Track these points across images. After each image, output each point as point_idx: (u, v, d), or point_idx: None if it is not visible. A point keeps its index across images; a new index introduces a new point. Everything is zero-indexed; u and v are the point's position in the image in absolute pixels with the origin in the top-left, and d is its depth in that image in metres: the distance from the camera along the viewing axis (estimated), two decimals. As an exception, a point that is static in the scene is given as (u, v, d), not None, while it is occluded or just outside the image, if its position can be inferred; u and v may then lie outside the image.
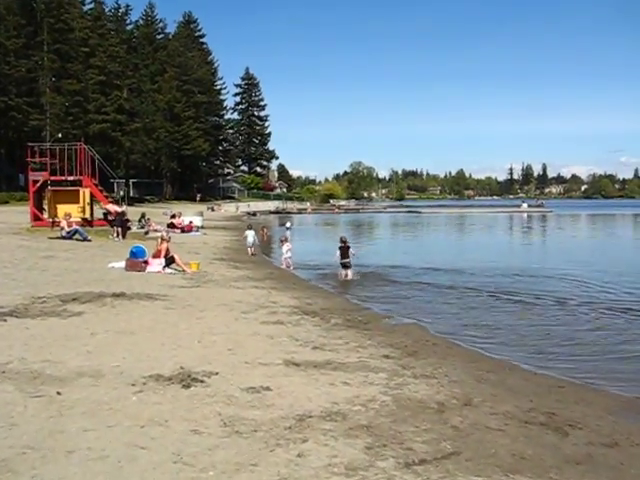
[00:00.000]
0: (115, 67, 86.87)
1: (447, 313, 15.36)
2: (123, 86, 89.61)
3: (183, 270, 19.69)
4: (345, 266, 21.19)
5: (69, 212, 28.43)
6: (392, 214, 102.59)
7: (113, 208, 31.21)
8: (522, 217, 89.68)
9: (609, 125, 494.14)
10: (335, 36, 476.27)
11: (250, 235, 28.94)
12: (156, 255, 19.80)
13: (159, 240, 20.20)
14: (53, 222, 29.42)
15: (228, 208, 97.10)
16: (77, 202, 30.48)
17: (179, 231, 39.62)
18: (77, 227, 27.72)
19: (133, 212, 46.03)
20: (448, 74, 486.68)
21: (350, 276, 21.01)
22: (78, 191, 30.61)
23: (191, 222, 42.74)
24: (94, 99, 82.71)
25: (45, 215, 31.63)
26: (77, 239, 27.40)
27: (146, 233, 32.35)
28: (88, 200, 30.89)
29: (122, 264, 19.46)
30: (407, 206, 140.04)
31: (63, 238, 26.99)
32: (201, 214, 49.91)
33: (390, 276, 22.20)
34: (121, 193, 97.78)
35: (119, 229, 30.13)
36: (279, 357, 9.27)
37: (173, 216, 41.94)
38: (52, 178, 31.42)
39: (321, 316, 13.36)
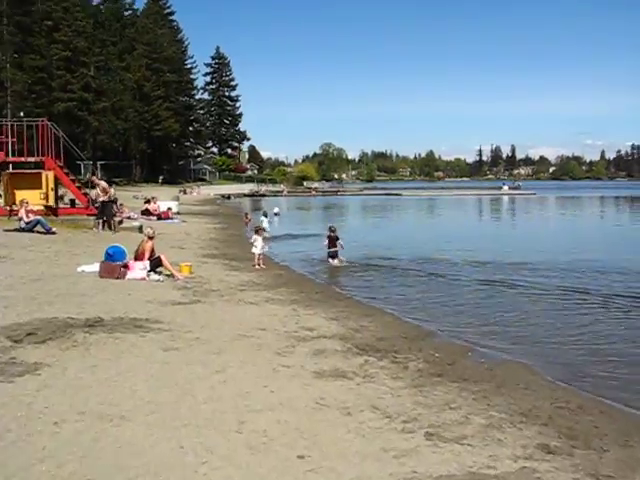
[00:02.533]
0: (81, 43, 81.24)
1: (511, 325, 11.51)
2: (90, 63, 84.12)
3: (172, 275, 15.44)
4: (333, 256, 20.73)
5: (26, 199, 23.90)
6: (372, 197, 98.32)
7: (101, 188, 26.43)
8: (506, 200, 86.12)
9: (575, 108, 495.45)
10: (305, 16, 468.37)
11: (265, 222, 29.43)
12: (139, 257, 15.49)
13: (145, 238, 15.79)
14: (11, 211, 24.86)
15: (203, 191, 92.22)
16: (39, 187, 25.89)
17: (155, 218, 35.17)
18: (39, 217, 23.24)
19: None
20: (417, 55, 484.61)
21: (337, 263, 20.52)
22: (40, 174, 26.00)
23: (169, 208, 38.24)
24: (59, 76, 77.48)
25: (1, 202, 26.99)
26: (39, 232, 22.97)
27: (120, 222, 27.84)
28: (52, 185, 26.30)
29: (95, 267, 15.15)
30: (383, 188, 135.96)
31: (22, 230, 22.55)
32: (177, 199, 45.44)
33: (414, 270, 19.56)
34: (88, 176, 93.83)
35: (103, 219, 25.62)
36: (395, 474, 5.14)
37: (147, 201, 37.34)
38: (9, 160, 26.72)
39: (389, 356, 9.25)
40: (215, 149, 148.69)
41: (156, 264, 15.50)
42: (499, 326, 12.20)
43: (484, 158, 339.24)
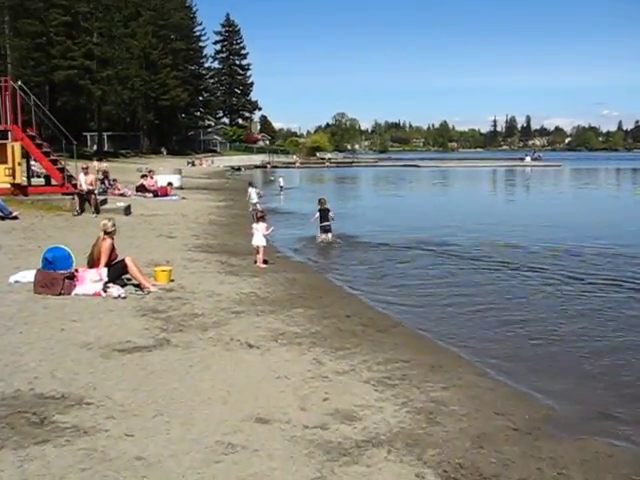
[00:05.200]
0: (82, 7, 75.72)
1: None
2: (92, 29, 78.41)
3: (141, 287, 10.73)
4: (325, 229, 19.29)
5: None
6: (388, 168, 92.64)
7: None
8: (534, 172, 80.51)
9: (591, 78, 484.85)
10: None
11: (254, 192, 27.50)
12: (94, 262, 10.75)
13: (101, 235, 10.95)
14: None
15: (213, 163, 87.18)
16: (3, 162, 21.10)
17: (151, 195, 30.44)
18: (-4, 199, 18.57)
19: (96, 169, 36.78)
20: (431, 24, 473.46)
21: (330, 239, 19.19)
22: (5, 146, 21.19)
23: (170, 184, 33.42)
24: (59, 42, 72.00)
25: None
26: (-3, 216, 18.36)
27: (103, 202, 23.05)
28: (19, 159, 21.51)
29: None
30: (398, 159, 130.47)
31: (-27, 216, 17.95)
32: (179, 172, 40.44)
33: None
34: (94, 148, 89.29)
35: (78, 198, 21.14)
36: None
37: (144, 176, 32.46)
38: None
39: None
40: (226, 119, 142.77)
41: (118, 271, 10.76)
42: None
43: (498, 129, 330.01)
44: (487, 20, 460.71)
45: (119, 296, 10.08)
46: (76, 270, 10.41)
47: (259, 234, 14.19)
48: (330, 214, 19.40)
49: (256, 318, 9.43)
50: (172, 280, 11.52)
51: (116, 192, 30.02)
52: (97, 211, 21.39)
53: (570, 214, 30.30)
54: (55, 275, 10.11)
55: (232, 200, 32.10)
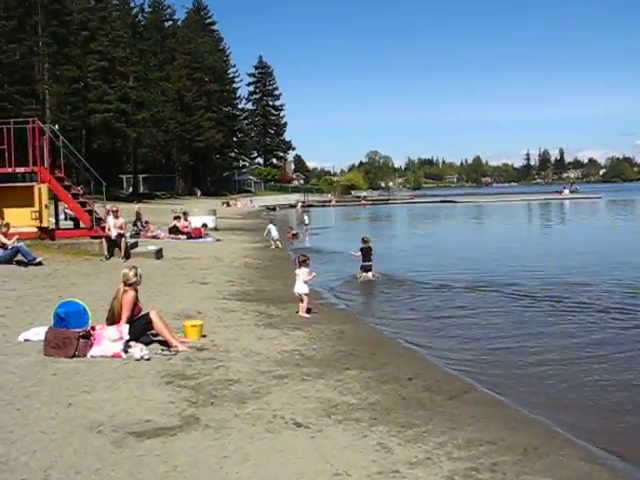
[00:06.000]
0: (119, 53, 76.00)
1: None
2: (128, 73, 78.78)
3: (169, 346, 9.23)
4: (366, 269, 18.63)
5: (6, 221, 18.11)
6: (425, 205, 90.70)
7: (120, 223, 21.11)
8: (575, 205, 78.01)
9: (621, 108, 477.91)
10: (349, 25, 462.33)
11: (273, 230, 29.69)
12: (114, 318, 9.30)
13: (121, 286, 9.48)
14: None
15: (252, 202, 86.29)
16: (30, 204, 19.94)
17: (184, 237, 29.17)
18: (19, 244, 17.30)
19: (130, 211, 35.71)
20: (460, 60, 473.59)
21: (371, 277, 18.53)
22: (32, 189, 20.06)
23: (204, 225, 32.18)
24: (95, 87, 72.22)
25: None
26: (20, 262, 17.09)
27: (133, 246, 21.73)
28: (46, 201, 20.35)
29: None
30: (433, 195, 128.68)
31: (-2, 262, 16.71)
32: (214, 213, 39.28)
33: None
34: (130, 189, 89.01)
35: (106, 242, 19.96)
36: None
37: (177, 217, 31.27)
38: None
39: None
40: (260, 159, 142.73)
41: (142, 328, 9.30)
42: None
43: (531, 162, 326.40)
44: (517, 52, 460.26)
45: (142, 357, 8.58)
46: (92, 328, 8.94)
47: (300, 281, 12.67)
48: (372, 252, 18.88)
49: (302, 385, 7.84)
50: (204, 336, 10.02)
51: (149, 234, 28.87)
52: (127, 256, 20.14)
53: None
54: (68, 334, 8.65)
55: (268, 241, 30.73)
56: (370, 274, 18.59)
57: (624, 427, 7.14)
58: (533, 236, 37.84)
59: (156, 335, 9.55)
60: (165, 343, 9.35)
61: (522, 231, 42.14)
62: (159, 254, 21.41)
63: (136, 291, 9.46)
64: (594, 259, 23.03)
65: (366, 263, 18.69)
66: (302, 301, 12.71)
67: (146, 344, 9.25)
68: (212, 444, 5.89)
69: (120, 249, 20.19)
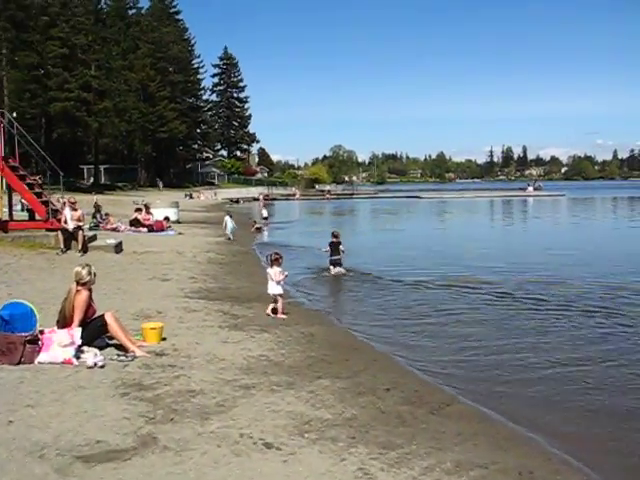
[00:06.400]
0: (80, 40, 74.06)
1: None
2: (90, 62, 76.77)
3: (126, 350, 8.47)
4: (336, 263, 18.46)
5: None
6: (390, 200, 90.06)
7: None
8: (539, 202, 78.26)
9: (584, 108, 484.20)
10: (315, 18, 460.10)
11: (229, 222, 29.25)
12: (65, 320, 8.51)
13: (73, 286, 8.67)
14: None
15: (210, 195, 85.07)
16: (-19, 195, 18.95)
17: (145, 230, 28.24)
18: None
19: (90, 202, 34.69)
20: (426, 56, 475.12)
21: (341, 271, 18.32)
22: (-18, 178, 19.01)
23: (166, 218, 31.21)
24: (56, 74, 70.28)
25: None
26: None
27: (92, 239, 20.79)
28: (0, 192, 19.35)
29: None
30: (397, 190, 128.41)
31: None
32: (176, 205, 38.30)
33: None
34: (91, 180, 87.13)
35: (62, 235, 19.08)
36: None
37: (138, 209, 30.24)
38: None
39: None
40: (224, 152, 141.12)
41: (96, 331, 8.53)
42: None
43: (495, 159, 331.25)
44: (481, 51, 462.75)
45: (95, 364, 7.81)
46: (41, 331, 8.14)
47: (273, 282, 11.97)
48: (341, 247, 18.62)
49: (272, 397, 7.13)
50: (164, 339, 9.28)
51: (108, 227, 27.96)
52: (84, 249, 19.22)
53: (603, 245, 27.88)
54: (13, 338, 7.84)
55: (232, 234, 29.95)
56: (339, 269, 18.40)
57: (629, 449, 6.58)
58: (501, 233, 37.48)
59: (112, 338, 8.79)
60: (122, 347, 8.59)
61: (490, 228, 41.89)
62: (119, 248, 20.51)
63: (90, 291, 8.68)
64: (567, 257, 22.68)
65: (335, 257, 18.51)
66: (276, 302, 12.01)
67: (100, 348, 8.49)
68: (171, 470, 5.19)
69: (77, 242, 19.28)
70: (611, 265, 20.43)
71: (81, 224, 19.87)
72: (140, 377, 7.58)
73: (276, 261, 12.15)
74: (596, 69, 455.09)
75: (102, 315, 8.64)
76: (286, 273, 12.39)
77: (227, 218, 29.65)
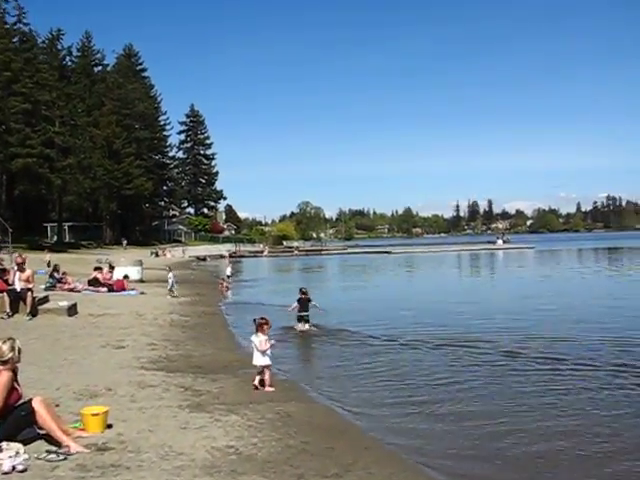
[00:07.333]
0: (44, 96, 72.80)
1: None
2: (54, 118, 75.28)
3: (59, 444, 6.77)
4: (304, 319, 18.31)
5: None
6: (359, 256, 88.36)
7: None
8: (509, 255, 77.58)
9: (548, 161, 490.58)
10: (277, 76, 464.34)
11: (171, 278, 27.97)
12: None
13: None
14: None
15: (176, 253, 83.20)
16: None
17: (105, 290, 26.42)
18: None
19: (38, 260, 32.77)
20: (390, 114, 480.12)
21: (307, 328, 18.08)
22: None
23: (125, 276, 29.43)
24: (17, 130, 68.63)
25: None
26: None
27: (43, 301, 18.97)
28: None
29: None
30: (366, 246, 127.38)
31: None
32: (140, 263, 36.51)
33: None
34: (55, 238, 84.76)
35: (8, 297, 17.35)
36: None
37: (98, 268, 28.43)
38: None
39: None
40: (191, 209, 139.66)
41: (20, 422, 6.81)
42: None
43: (461, 213, 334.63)
44: (447, 105, 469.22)
45: (13, 469, 6.09)
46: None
47: (257, 351, 10.42)
48: (312, 303, 18.69)
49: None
50: (109, 426, 7.57)
51: (65, 287, 26.01)
52: (33, 313, 17.42)
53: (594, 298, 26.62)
54: None
55: (197, 294, 28.17)
56: (307, 325, 18.28)
57: None
58: (482, 287, 36.12)
59: (31, 438, 7.03)
60: (50, 443, 6.88)
61: (470, 282, 40.64)
62: (72, 310, 18.68)
63: (14, 372, 6.98)
64: (549, 309, 21.37)
65: (303, 314, 18.42)
66: (263, 374, 10.43)
67: (28, 442, 6.77)
68: None
69: (26, 305, 17.48)
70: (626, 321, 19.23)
71: (30, 285, 18.07)
72: (73, 483, 5.89)
73: (261, 327, 10.56)
74: (559, 124, 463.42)
75: (29, 401, 6.92)
76: (273, 342, 10.81)
77: (170, 275, 28.42)
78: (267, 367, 10.53)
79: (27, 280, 18.12)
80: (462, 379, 11.65)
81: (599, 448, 7.86)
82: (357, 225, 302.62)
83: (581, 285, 34.54)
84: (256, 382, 10.44)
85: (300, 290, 19.11)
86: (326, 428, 8.44)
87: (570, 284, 34.99)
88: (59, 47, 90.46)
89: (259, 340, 10.49)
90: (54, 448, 6.73)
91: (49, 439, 6.94)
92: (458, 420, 9.11)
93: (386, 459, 7.35)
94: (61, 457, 6.52)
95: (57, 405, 8.36)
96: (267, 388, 10.36)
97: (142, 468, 6.37)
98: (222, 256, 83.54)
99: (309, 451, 7.29)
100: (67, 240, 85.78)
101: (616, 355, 13.66)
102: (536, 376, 11.85)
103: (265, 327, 10.63)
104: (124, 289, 27.16)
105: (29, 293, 17.65)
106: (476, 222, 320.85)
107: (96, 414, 7.50)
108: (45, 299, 19.48)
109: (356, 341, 16.01)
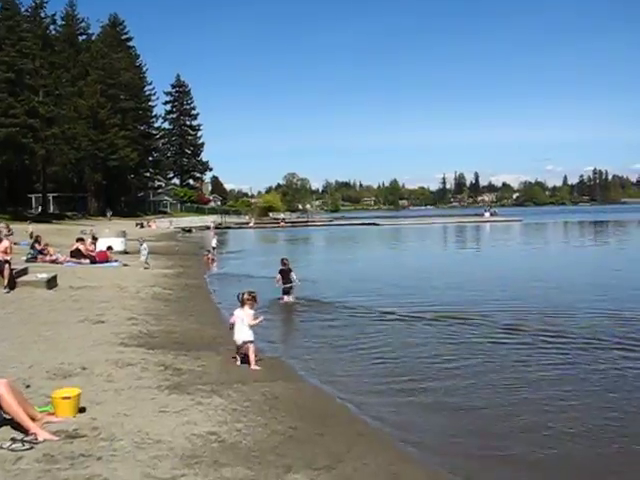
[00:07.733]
0: (27, 65, 71.24)
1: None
2: (37, 87, 73.75)
3: (26, 431, 6.18)
4: (287, 292, 18.29)
5: None
6: (346, 227, 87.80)
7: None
8: (497, 228, 77.15)
9: (535, 134, 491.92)
10: (267, 46, 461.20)
11: (143, 249, 27.34)
12: None
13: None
14: None
15: (162, 224, 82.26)
16: None
17: (87, 262, 25.72)
18: None
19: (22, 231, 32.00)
20: (378, 85, 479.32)
21: (291, 300, 18.08)
22: None
23: (109, 248, 28.67)
24: (0, 99, 67.27)
25: None
26: None
27: (22, 273, 18.29)
28: None
29: None
30: (352, 218, 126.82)
31: None
32: (123, 234, 35.72)
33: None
34: (39, 209, 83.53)
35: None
36: None
37: (80, 239, 27.68)
38: None
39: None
40: (176, 180, 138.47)
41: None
42: None
43: (447, 186, 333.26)
44: (433, 78, 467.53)
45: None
46: None
47: (243, 325, 9.80)
48: (292, 275, 18.56)
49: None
50: (82, 410, 6.99)
51: (47, 259, 25.33)
52: (11, 285, 16.76)
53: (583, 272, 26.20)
54: None
55: (182, 266, 27.51)
56: (290, 297, 18.23)
57: None
58: (473, 260, 35.57)
59: (8, 414, 6.47)
60: (21, 426, 6.29)
61: (461, 255, 40.07)
62: (51, 283, 17.99)
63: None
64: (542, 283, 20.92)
65: (286, 285, 18.37)
66: (245, 351, 9.85)
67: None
68: None
69: (4, 277, 16.80)
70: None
71: (8, 257, 17.38)
72: (36, 478, 5.29)
73: (248, 302, 9.98)
74: (546, 96, 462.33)
75: (-7, 387, 6.33)
76: (261, 317, 10.25)
77: (142, 246, 28.02)
78: (251, 342, 9.93)
79: (4, 252, 17.45)
80: (455, 355, 11.14)
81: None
82: (343, 197, 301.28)
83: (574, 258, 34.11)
84: (238, 362, 9.90)
85: (282, 261, 19.01)
86: (316, 411, 7.90)
87: (564, 258, 34.61)
88: (42, 15, 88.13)
89: (246, 314, 9.92)
90: (20, 436, 6.14)
91: (16, 425, 6.36)
92: (452, 399, 8.60)
93: (380, 447, 6.81)
94: (26, 446, 5.92)
95: (28, 386, 7.80)
96: (252, 366, 9.79)
97: (115, 459, 5.78)
98: (208, 227, 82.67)
99: (298, 438, 6.73)
100: (52, 211, 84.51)
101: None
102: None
103: (253, 301, 10.06)
104: (107, 260, 26.46)
105: (7, 265, 16.97)
106: (463, 194, 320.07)
107: (67, 397, 6.89)
108: (24, 271, 18.82)
109: (346, 315, 15.51)
